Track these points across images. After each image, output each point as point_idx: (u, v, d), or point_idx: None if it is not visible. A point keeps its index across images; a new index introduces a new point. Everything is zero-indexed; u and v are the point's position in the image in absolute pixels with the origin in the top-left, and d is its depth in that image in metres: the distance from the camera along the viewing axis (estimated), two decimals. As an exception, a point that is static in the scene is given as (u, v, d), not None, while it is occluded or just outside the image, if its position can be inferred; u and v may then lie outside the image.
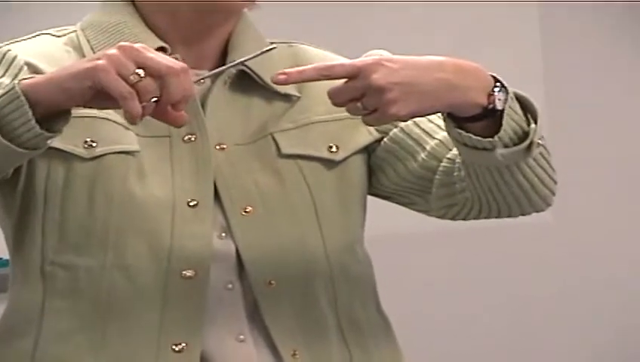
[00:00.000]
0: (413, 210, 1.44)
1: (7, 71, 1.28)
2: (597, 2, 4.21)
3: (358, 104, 1.21)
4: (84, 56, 1.31)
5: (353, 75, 1.20)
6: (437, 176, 1.36)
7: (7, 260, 1.37)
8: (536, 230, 4.34)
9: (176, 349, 1.28)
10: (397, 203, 1.44)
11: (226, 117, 1.34)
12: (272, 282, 1.30)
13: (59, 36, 1.37)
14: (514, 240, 3.93)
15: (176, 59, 1.20)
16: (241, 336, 1.31)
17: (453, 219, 1.40)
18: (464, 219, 1.40)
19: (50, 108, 1.15)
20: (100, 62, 1.11)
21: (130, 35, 1.31)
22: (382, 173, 1.40)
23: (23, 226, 1.31)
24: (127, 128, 1.29)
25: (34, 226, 1.30)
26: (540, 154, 1.30)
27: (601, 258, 4.49)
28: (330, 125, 1.36)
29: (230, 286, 1.30)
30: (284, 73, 1.21)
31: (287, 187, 1.33)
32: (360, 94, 1.20)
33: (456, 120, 1.26)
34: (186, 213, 1.29)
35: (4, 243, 1.35)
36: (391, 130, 1.38)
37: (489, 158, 1.26)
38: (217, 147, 1.32)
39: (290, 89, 1.35)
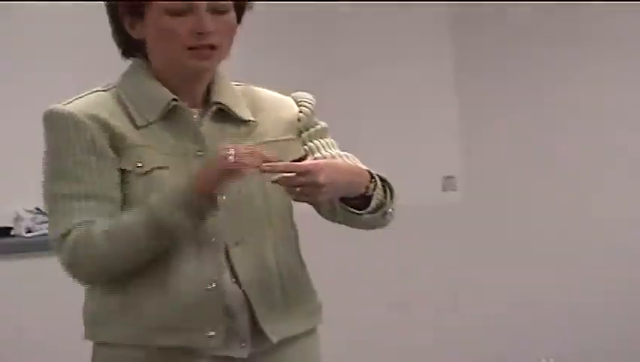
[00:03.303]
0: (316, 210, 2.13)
1: (78, 135, 1.99)
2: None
3: (298, 189, 1.90)
4: (125, 107, 2.02)
5: (304, 173, 1.89)
6: None
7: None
8: (446, 210, 4.58)
9: (209, 287, 1.98)
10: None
11: (213, 139, 2.03)
12: (238, 241, 2.02)
13: (105, 90, 2.05)
14: (426, 220, 4.11)
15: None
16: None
17: (334, 222, 2.13)
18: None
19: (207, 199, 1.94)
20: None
21: (156, 93, 2.02)
22: None
23: None
24: (160, 153, 2.01)
25: None
26: (392, 209, 2.07)
27: (506, 235, 4.71)
28: (277, 144, 2.06)
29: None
30: (269, 165, 1.90)
31: (247, 182, 1.98)
32: (302, 185, 1.89)
33: (342, 198, 2.03)
34: None
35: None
36: (307, 155, 2.10)
37: (358, 219, 2.06)
38: None
39: (249, 116, 2.08)
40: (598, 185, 4.82)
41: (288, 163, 1.93)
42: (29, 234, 3.94)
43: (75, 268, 1.98)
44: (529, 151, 4.85)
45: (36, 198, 3.89)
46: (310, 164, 1.88)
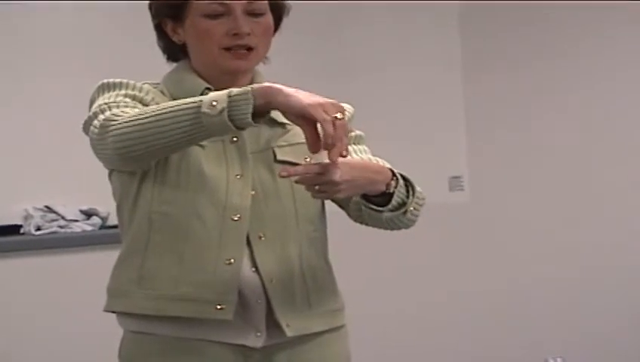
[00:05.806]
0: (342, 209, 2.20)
1: (141, 92, 2.07)
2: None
3: (317, 187, 1.92)
4: (167, 98, 2.09)
5: (322, 172, 1.90)
6: (354, 198, 2.12)
7: (115, 225, 2.17)
8: (453, 210, 4.73)
9: (227, 262, 2.02)
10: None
11: (248, 134, 2.07)
12: (261, 235, 2.08)
13: (155, 85, 2.14)
14: (433, 220, 4.17)
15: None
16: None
17: (362, 223, 2.17)
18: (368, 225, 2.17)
19: (264, 108, 1.85)
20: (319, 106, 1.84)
21: (191, 84, 2.11)
22: None
23: (138, 193, 2.06)
24: None
25: (146, 192, 2.05)
26: (414, 208, 2.09)
27: (514, 235, 4.82)
28: (306, 146, 1.95)
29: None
30: (286, 170, 1.91)
31: (277, 180, 2.10)
32: (319, 183, 1.91)
33: (363, 195, 2.06)
34: (235, 182, 2.06)
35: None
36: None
37: (380, 217, 2.08)
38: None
39: (282, 119, 2.03)
40: (606, 183, 4.82)
41: (306, 165, 1.97)
42: (39, 232, 3.96)
43: (108, 130, 1.93)
44: (536, 151, 4.86)
45: (45, 196, 4.00)
46: (326, 163, 1.90)
